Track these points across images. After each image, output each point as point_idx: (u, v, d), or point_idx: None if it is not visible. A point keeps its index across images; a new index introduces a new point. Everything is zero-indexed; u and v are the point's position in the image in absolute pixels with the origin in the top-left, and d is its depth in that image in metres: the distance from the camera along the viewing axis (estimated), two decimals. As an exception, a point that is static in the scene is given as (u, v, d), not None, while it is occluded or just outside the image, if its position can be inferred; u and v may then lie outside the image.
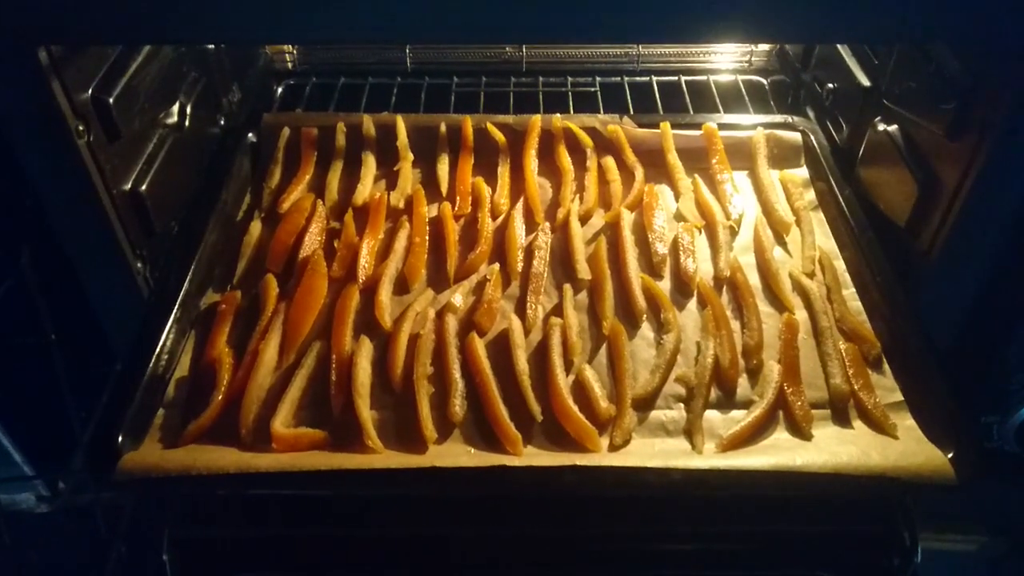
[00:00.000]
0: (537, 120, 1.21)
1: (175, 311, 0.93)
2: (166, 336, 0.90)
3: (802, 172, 1.18)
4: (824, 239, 1.08)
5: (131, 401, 0.83)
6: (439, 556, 0.91)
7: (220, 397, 0.86)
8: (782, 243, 1.08)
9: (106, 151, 0.86)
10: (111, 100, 0.85)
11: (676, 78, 1.42)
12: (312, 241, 1.05)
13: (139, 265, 0.94)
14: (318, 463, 0.78)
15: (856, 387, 0.88)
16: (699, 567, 0.92)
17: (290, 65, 1.46)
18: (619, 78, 1.43)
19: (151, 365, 0.87)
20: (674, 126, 1.21)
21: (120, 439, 0.79)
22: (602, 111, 1.30)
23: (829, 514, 0.88)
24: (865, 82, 1.09)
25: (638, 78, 1.43)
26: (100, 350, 0.99)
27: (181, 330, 0.93)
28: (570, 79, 1.42)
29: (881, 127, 1.03)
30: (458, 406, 0.86)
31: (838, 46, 1.18)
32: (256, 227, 1.09)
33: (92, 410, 0.94)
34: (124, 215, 0.90)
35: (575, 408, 0.84)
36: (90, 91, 0.83)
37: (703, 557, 0.91)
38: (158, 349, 0.89)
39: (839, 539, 0.90)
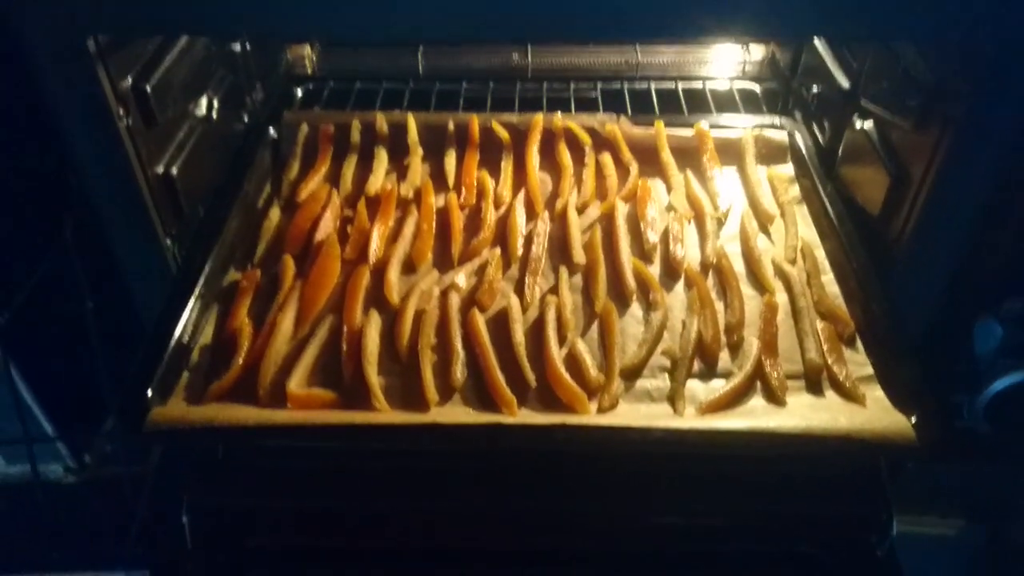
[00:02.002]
0: (539, 119, 1.29)
1: (200, 286, 1.00)
2: (191, 307, 0.97)
3: (788, 169, 1.25)
4: (806, 230, 1.14)
5: (159, 363, 0.91)
6: (452, 530, 0.96)
7: (240, 361, 0.93)
8: (766, 233, 1.15)
9: (142, 135, 0.94)
10: (149, 88, 0.93)
11: (674, 85, 1.49)
12: (327, 226, 1.13)
13: (168, 242, 1.02)
14: (329, 419, 0.85)
15: (829, 361, 0.94)
16: (681, 543, 0.97)
17: (309, 70, 1.54)
18: (619, 84, 1.50)
19: (177, 333, 0.94)
20: (668, 126, 1.28)
21: (149, 394, 0.87)
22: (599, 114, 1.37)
23: (809, 493, 0.93)
24: (845, 84, 1.16)
25: (637, 84, 1.51)
26: (130, 323, 1.07)
27: (205, 303, 1.00)
28: (573, 84, 1.50)
29: (859, 125, 1.11)
30: (459, 373, 0.93)
31: (821, 53, 1.25)
32: (275, 214, 1.16)
33: (121, 377, 1.02)
34: (156, 194, 0.98)
35: (567, 375, 0.91)
36: (130, 79, 0.92)
37: (685, 533, 0.97)
38: (184, 318, 0.96)
39: (819, 517, 0.95)
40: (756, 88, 1.50)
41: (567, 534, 0.97)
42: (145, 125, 0.95)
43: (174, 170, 1.02)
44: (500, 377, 0.91)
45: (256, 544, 0.98)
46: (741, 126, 1.29)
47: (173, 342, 0.94)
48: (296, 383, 0.91)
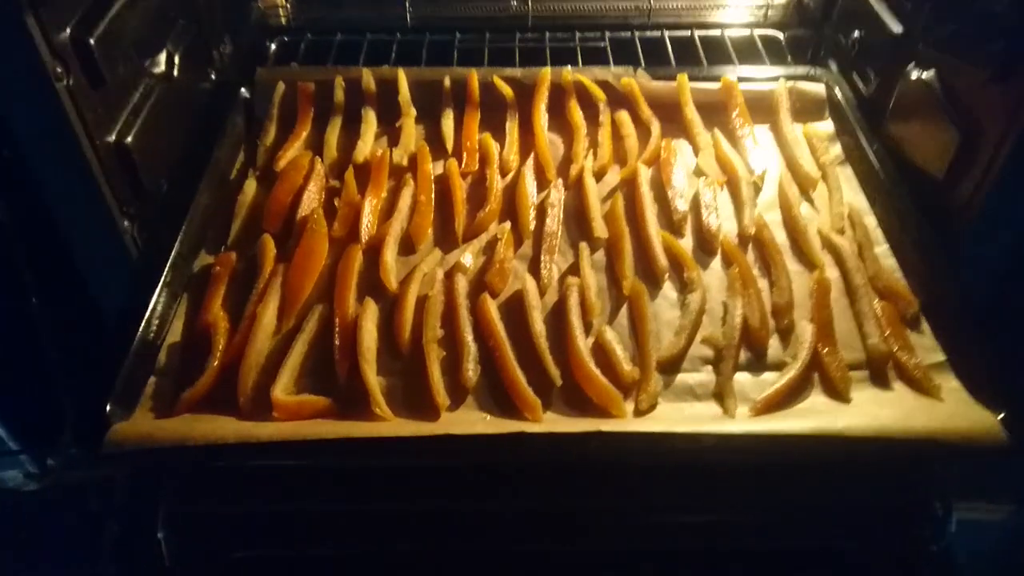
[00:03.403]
0: (547, 73, 1.15)
1: (166, 273, 0.88)
2: (156, 299, 0.85)
3: (827, 126, 1.12)
4: (852, 195, 1.02)
5: (120, 368, 0.78)
6: (445, 531, 0.85)
7: (216, 363, 0.81)
8: (808, 200, 1.02)
9: (88, 98, 0.79)
10: (93, 41, 0.78)
11: (689, 32, 1.35)
12: (311, 200, 1.00)
13: (126, 224, 0.87)
14: (323, 431, 0.73)
15: (895, 347, 0.82)
16: (725, 537, 0.87)
17: (283, 20, 1.38)
18: (629, 33, 1.35)
19: (141, 330, 0.83)
20: (691, 79, 1.15)
21: (109, 408, 0.74)
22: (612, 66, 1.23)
23: (856, 484, 0.83)
24: (896, 29, 1.02)
25: (649, 32, 1.36)
26: (89, 317, 0.93)
27: (173, 293, 0.88)
28: (578, 34, 1.35)
29: (915, 75, 0.97)
30: (471, 371, 0.81)
31: (865, -7, 1.12)
32: (251, 186, 1.03)
33: (80, 379, 0.89)
34: (109, 168, 0.83)
35: (597, 371, 0.79)
36: (69, 30, 0.76)
37: (729, 527, 0.87)
38: (148, 313, 0.84)
39: (867, 510, 0.85)
40: (780, 35, 1.35)
41: (596, 528, 0.86)
42: (91, 86, 0.80)
43: (129, 139, 0.87)
44: (520, 376, 0.79)
45: (240, 557, 0.87)
46: (770, 77, 1.16)
47: (136, 341, 0.82)
48: (282, 388, 0.78)
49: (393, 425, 0.75)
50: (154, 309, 0.84)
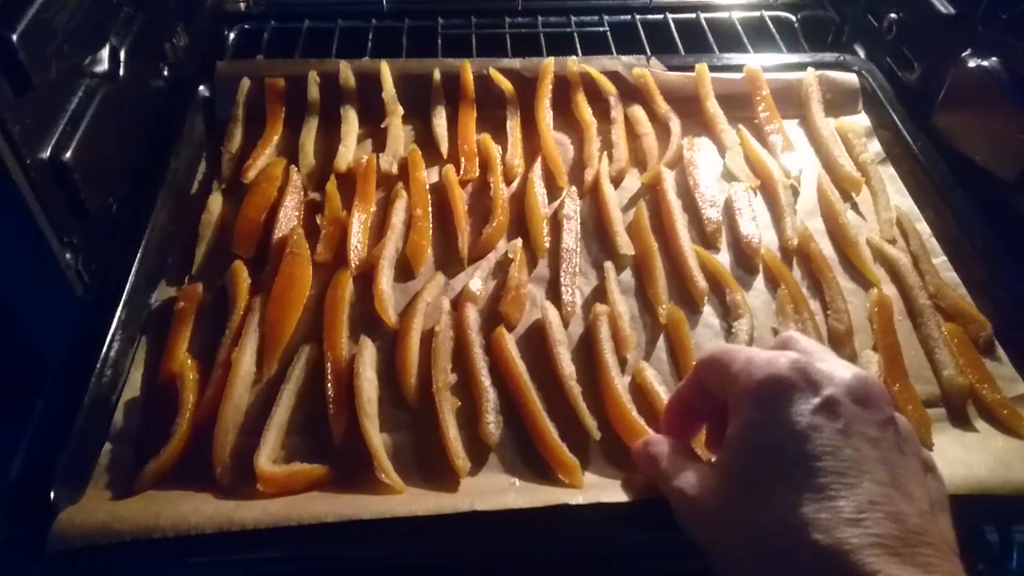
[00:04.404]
0: (550, 64, 1.02)
1: (119, 312, 0.73)
2: (108, 345, 0.71)
3: (861, 120, 1.01)
4: (899, 198, 0.92)
5: (67, 435, 0.64)
6: None
7: (185, 424, 0.67)
8: (851, 204, 0.92)
9: (13, 108, 0.64)
10: (14, 37, 0.63)
11: (694, 15, 1.23)
12: (288, 217, 0.86)
13: (68, 256, 0.73)
14: (322, 511, 0.59)
15: (974, 379, 0.72)
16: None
17: (243, 5, 1.23)
18: (629, 16, 1.23)
19: (92, 384, 0.68)
20: (709, 69, 1.03)
21: (53, 493, 0.60)
22: (614, 54, 1.11)
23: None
24: (946, 9, 0.92)
25: (651, 16, 1.24)
26: (28, 368, 0.78)
27: (128, 337, 0.73)
28: (574, 18, 1.22)
29: (973, 62, 0.87)
30: (492, 423, 0.68)
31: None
32: (216, 201, 0.88)
33: (18, 442, 0.74)
34: (43, 191, 0.68)
35: (641, 421, 0.67)
36: (-17, 24, 0.62)
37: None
38: (99, 363, 0.69)
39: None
40: (792, 17, 1.24)
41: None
42: (15, 92, 0.65)
43: (68, 154, 0.72)
44: (552, 431, 0.67)
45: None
46: (789, 64, 1.05)
47: (86, 400, 0.67)
48: (268, 455, 0.65)
49: (406, 499, 0.62)
50: (106, 357, 0.70)
